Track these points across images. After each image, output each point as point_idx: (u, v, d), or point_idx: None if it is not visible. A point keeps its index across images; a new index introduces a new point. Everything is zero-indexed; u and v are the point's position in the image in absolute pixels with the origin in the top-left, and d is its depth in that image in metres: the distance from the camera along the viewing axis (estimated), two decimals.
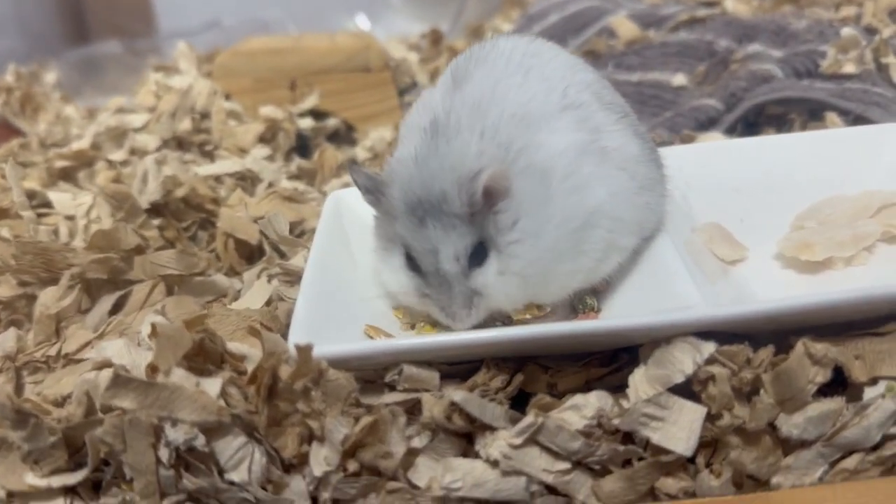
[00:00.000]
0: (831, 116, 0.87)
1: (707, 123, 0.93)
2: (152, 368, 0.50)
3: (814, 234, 0.63)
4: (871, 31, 1.02)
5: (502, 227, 0.55)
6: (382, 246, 0.60)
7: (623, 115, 0.62)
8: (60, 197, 0.87)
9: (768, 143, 0.74)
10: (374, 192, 0.58)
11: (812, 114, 0.90)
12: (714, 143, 0.79)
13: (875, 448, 0.47)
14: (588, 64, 0.66)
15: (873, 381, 0.48)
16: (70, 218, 0.84)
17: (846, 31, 0.97)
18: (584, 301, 0.60)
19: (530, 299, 0.57)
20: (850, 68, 0.93)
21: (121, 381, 0.46)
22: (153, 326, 0.50)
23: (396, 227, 0.57)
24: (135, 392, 0.46)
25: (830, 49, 0.96)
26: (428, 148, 0.56)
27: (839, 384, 0.48)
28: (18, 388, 0.62)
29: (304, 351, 0.47)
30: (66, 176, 0.96)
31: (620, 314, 0.58)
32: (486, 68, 0.60)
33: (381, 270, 0.60)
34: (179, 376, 0.48)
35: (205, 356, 0.52)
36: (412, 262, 0.57)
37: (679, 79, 1.00)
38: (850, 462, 0.47)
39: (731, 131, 0.92)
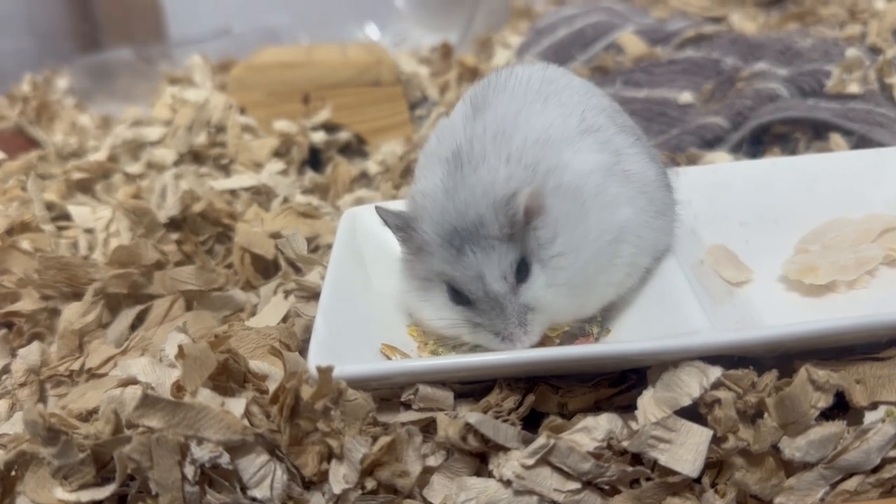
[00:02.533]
0: (835, 137, 0.88)
1: (713, 142, 0.94)
2: (178, 388, 0.52)
3: (817, 258, 0.65)
4: (875, 50, 1.04)
5: (543, 242, 0.56)
6: (418, 285, 0.59)
7: (637, 138, 0.64)
8: (80, 210, 0.88)
9: (773, 166, 0.75)
10: (404, 229, 0.58)
11: (816, 133, 0.92)
12: (721, 166, 0.80)
13: (875, 470, 0.48)
14: (599, 88, 0.67)
15: (874, 406, 0.50)
16: (89, 231, 0.86)
17: (851, 52, 0.98)
18: (583, 328, 0.62)
19: (576, 312, 0.59)
20: (854, 88, 0.95)
21: (149, 400, 0.48)
22: (180, 348, 0.52)
23: (433, 262, 0.57)
24: (163, 412, 0.48)
25: (835, 69, 0.97)
26: (455, 178, 0.57)
27: (840, 408, 0.50)
28: (42, 402, 0.64)
29: (325, 372, 0.49)
30: (84, 188, 0.98)
31: (629, 336, 0.59)
32: (505, 96, 0.61)
33: (420, 309, 0.60)
34: (205, 396, 0.50)
35: (228, 375, 0.53)
36: (457, 295, 0.57)
37: (686, 96, 1.02)
38: (851, 484, 0.48)
39: (737, 150, 0.93)
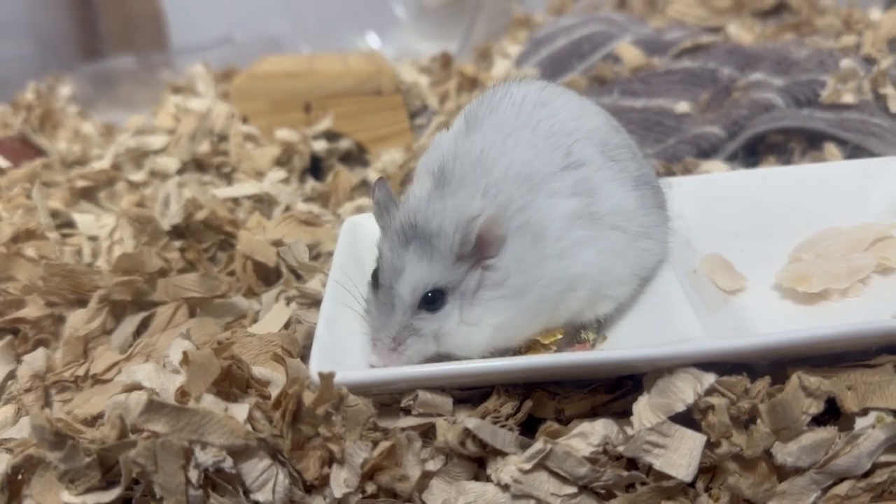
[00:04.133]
0: (830, 147, 0.89)
1: (709, 151, 0.95)
2: (183, 393, 0.53)
3: (811, 267, 0.66)
4: (870, 61, 1.05)
5: (490, 282, 0.57)
6: None
7: (630, 158, 0.63)
8: (84, 218, 0.90)
9: (768, 176, 0.76)
10: (382, 206, 0.60)
11: (811, 142, 0.93)
12: (713, 177, 0.81)
13: (866, 475, 0.49)
14: (596, 106, 0.67)
15: (864, 412, 0.51)
16: (93, 239, 0.87)
17: (845, 63, 0.99)
18: (578, 335, 0.63)
19: (495, 348, 0.59)
20: (848, 98, 0.96)
21: (154, 405, 0.49)
22: (185, 354, 0.53)
23: (383, 241, 0.59)
24: (167, 416, 0.49)
25: (830, 79, 0.98)
26: (435, 194, 0.58)
27: (832, 414, 0.51)
28: (47, 407, 0.65)
29: (327, 378, 0.50)
30: (88, 195, 0.99)
31: (625, 343, 0.60)
32: (496, 118, 0.62)
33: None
34: (209, 401, 0.51)
35: (231, 381, 0.54)
36: (374, 278, 0.59)
37: (682, 106, 1.03)
38: (842, 488, 0.49)
39: (733, 159, 0.94)
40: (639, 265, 0.62)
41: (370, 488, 0.50)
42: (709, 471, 0.51)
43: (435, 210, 0.57)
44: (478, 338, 0.57)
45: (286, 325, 0.69)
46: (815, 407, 0.49)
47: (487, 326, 0.57)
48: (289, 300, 0.73)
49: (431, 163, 0.61)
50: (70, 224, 0.92)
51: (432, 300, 0.57)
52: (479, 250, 0.56)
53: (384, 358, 0.57)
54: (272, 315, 0.70)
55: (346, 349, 0.58)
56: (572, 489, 0.49)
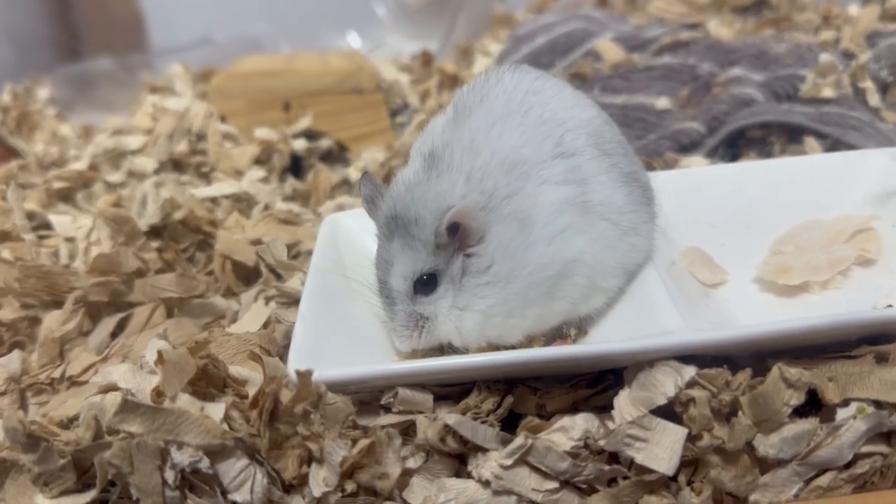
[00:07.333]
0: (809, 140, 0.89)
1: (689, 146, 0.95)
2: (158, 393, 0.52)
3: (791, 259, 0.66)
4: (848, 55, 1.05)
5: (474, 269, 0.57)
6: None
7: (622, 154, 0.63)
8: (60, 219, 0.89)
9: (748, 170, 0.76)
10: (370, 201, 0.62)
11: (791, 136, 0.93)
12: (692, 170, 0.81)
13: (847, 466, 0.49)
14: (589, 99, 0.66)
15: (845, 403, 0.51)
16: (70, 240, 0.86)
17: (824, 57, 1.00)
18: (560, 330, 0.62)
19: (494, 339, 0.59)
20: (828, 92, 0.96)
21: (129, 406, 0.48)
22: (160, 353, 0.52)
23: (379, 236, 0.61)
24: (142, 417, 0.48)
25: (809, 74, 0.99)
26: (421, 177, 0.59)
27: (813, 405, 0.51)
28: (23, 410, 0.64)
29: (304, 376, 0.50)
30: (65, 197, 0.98)
31: (605, 338, 0.60)
32: (486, 105, 0.61)
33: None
34: (185, 401, 0.50)
35: (208, 381, 0.54)
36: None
37: (663, 102, 1.03)
38: (824, 480, 0.49)
39: (713, 154, 0.94)
40: (628, 259, 0.62)
41: (350, 487, 0.49)
42: (691, 464, 0.50)
43: (414, 197, 0.57)
44: (468, 323, 0.58)
45: (265, 325, 0.68)
46: (797, 398, 0.49)
47: (476, 312, 0.58)
48: (268, 300, 0.72)
49: (422, 146, 0.61)
50: (47, 226, 0.91)
51: (426, 283, 0.58)
52: (455, 240, 0.57)
53: (405, 342, 0.59)
54: (251, 314, 0.69)
55: (324, 347, 0.57)
56: (554, 484, 0.49)
